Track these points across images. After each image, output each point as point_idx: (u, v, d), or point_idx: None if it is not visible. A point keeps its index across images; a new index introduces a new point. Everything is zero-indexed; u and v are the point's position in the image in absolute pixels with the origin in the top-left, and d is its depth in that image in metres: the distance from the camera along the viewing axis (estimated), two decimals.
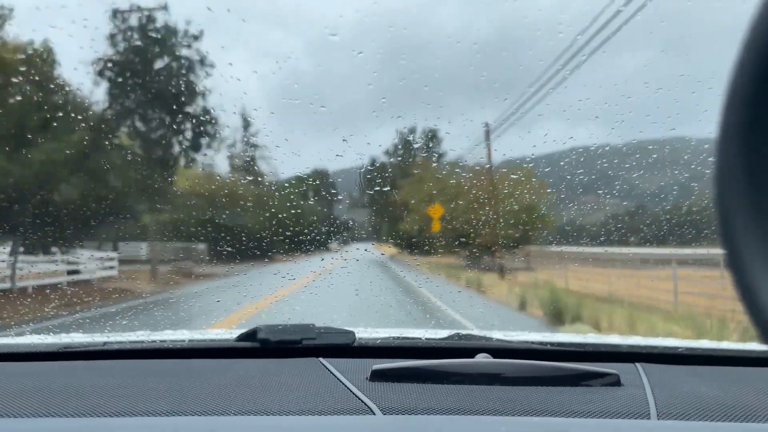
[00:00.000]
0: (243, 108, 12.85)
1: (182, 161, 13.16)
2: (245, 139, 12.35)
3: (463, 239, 11.00)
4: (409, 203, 13.13)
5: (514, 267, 14.37)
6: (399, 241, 14.82)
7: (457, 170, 12.57)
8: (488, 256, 13.49)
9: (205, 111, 12.91)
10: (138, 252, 13.84)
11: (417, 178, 12.71)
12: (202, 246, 12.96)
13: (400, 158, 13.52)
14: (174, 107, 13.01)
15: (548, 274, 13.50)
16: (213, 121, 12.79)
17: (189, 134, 13.10)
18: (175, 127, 12.91)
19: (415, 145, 13.15)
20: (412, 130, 12.94)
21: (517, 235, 12.21)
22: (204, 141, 13.01)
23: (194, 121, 12.76)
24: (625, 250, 11.60)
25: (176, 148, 13.14)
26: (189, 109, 13.05)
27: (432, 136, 13.46)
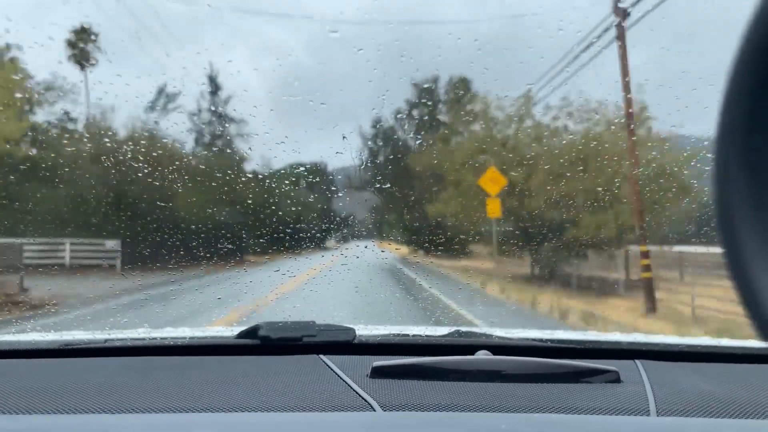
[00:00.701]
0: (212, 68, 10.21)
1: None
2: (213, 108, 9.43)
3: (541, 232, 6.49)
4: (442, 173, 8.28)
5: (613, 280, 8.25)
6: (413, 236, 9.40)
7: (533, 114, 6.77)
8: (579, 261, 7.87)
9: None
10: None
11: (462, 119, 7.99)
12: (112, 242, 9.33)
13: (416, 118, 10.02)
14: None
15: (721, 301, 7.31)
16: None
17: None
18: None
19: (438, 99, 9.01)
20: (435, 80, 9.40)
21: (661, 223, 7.41)
22: None
23: None
24: None
25: None
26: None
27: (463, 86, 9.71)
